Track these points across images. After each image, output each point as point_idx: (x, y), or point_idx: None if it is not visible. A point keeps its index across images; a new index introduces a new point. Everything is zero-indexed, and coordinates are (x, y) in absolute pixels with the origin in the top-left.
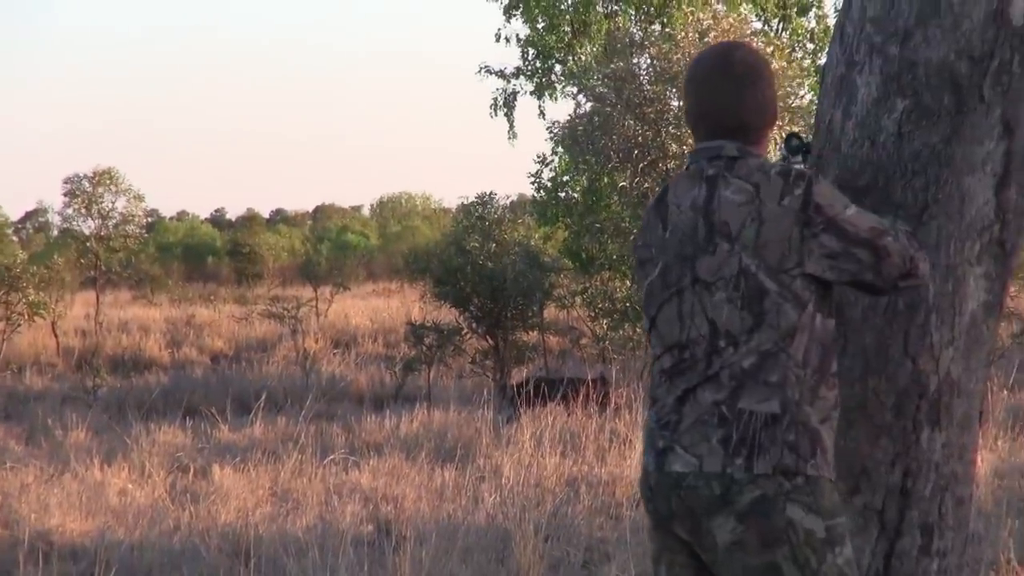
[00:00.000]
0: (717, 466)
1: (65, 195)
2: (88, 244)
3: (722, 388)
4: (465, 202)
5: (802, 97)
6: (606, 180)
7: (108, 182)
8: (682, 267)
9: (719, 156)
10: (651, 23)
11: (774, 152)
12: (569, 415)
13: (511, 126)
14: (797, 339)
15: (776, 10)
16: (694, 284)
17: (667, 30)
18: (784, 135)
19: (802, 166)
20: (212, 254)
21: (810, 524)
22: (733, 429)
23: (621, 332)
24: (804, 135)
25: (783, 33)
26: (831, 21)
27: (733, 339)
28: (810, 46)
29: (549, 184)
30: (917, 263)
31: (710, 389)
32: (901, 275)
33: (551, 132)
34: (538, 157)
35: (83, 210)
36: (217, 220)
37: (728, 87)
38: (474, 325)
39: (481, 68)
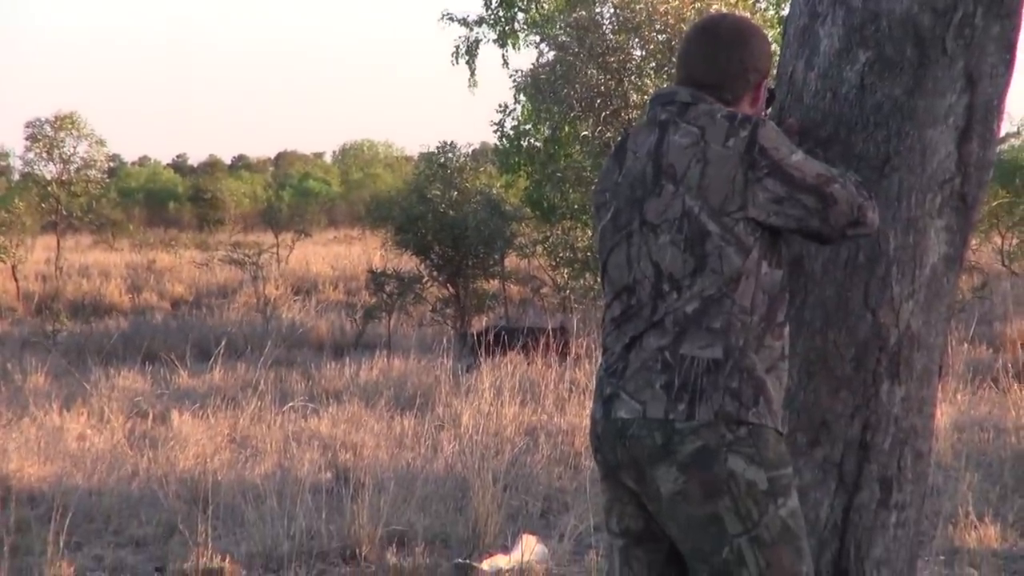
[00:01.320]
0: (659, 412)
1: (27, 139)
2: (49, 188)
3: (666, 334)
4: (427, 150)
5: None
6: (568, 129)
7: (70, 126)
8: (631, 210)
9: (672, 102)
10: None
11: None
12: (529, 364)
13: (472, 74)
14: (742, 285)
15: None
16: (642, 227)
17: None
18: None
19: (763, 114)
20: (173, 200)
21: (752, 475)
22: (675, 374)
23: (582, 282)
24: (767, 83)
25: None
26: None
27: (676, 283)
28: None
29: (511, 133)
30: (865, 211)
31: (655, 335)
32: (848, 223)
33: (514, 81)
34: (500, 106)
35: (44, 154)
36: (179, 166)
37: (708, 46)
38: (435, 273)
39: (444, 15)
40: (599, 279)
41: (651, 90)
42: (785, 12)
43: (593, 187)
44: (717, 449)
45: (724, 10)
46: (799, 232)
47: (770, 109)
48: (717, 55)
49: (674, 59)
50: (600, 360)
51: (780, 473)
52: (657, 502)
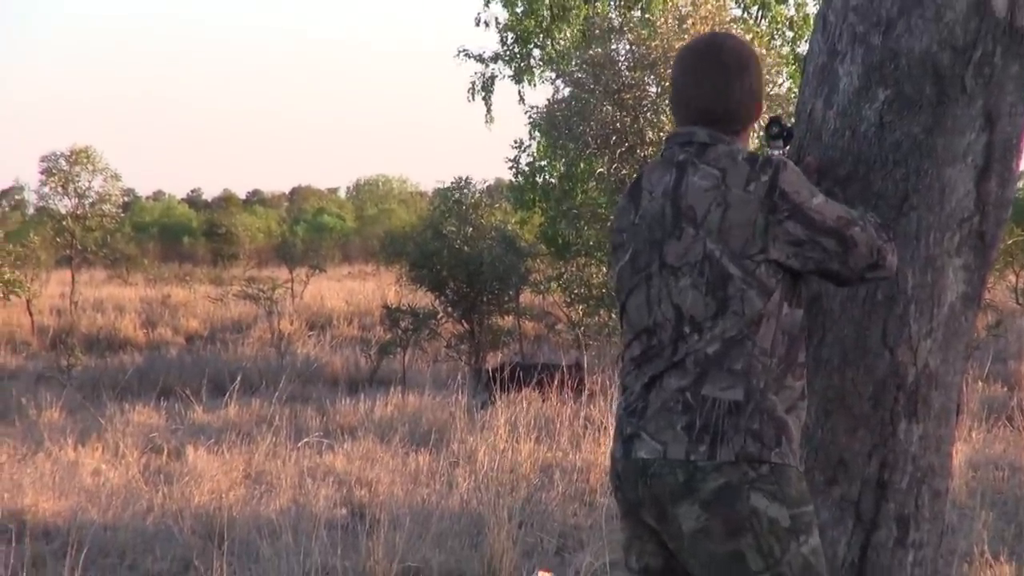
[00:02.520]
0: (680, 453)
1: (42, 173)
2: (64, 223)
3: (687, 374)
4: (442, 186)
5: (780, 85)
6: (583, 166)
7: (85, 161)
8: (651, 252)
9: (690, 142)
10: (630, 9)
11: (755, 138)
12: (544, 401)
13: (488, 110)
14: (763, 327)
15: None
16: (661, 269)
17: (646, 16)
18: (765, 121)
19: (781, 152)
20: (188, 234)
21: (774, 512)
22: (696, 416)
23: (597, 318)
24: (785, 121)
25: (762, 21)
26: (811, 9)
27: (698, 325)
28: (789, 34)
29: (526, 169)
30: (884, 254)
31: (676, 375)
32: (868, 266)
33: (529, 117)
34: (515, 142)
35: (60, 188)
36: (193, 200)
37: (715, 75)
38: (450, 309)
39: (460, 52)
40: (618, 318)
41: (667, 127)
42: (800, 49)
43: (609, 226)
44: (740, 486)
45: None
46: (818, 274)
47: (787, 147)
48: (728, 85)
49: None
50: (619, 399)
51: (802, 511)
52: (679, 540)
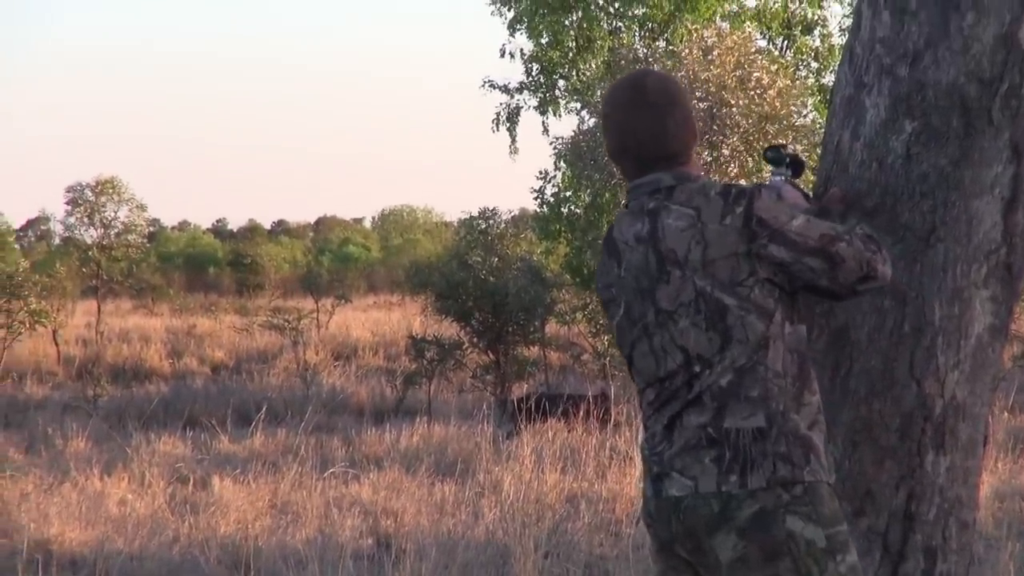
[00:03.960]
0: (712, 485)
1: (67, 203)
2: (90, 253)
3: (705, 410)
4: (467, 216)
5: (805, 116)
6: (608, 196)
7: (111, 191)
8: (643, 302)
9: (658, 189)
10: (655, 40)
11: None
12: (569, 431)
13: (513, 140)
14: (771, 350)
15: (781, 28)
16: (658, 316)
17: (671, 47)
18: (763, 147)
19: (781, 178)
20: (213, 264)
21: (811, 534)
22: (725, 448)
23: None
24: (793, 147)
25: (787, 51)
26: (836, 40)
27: (707, 362)
28: (814, 64)
29: (552, 199)
30: (875, 265)
31: (695, 413)
32: (858, 279)
33: (554, 148)
34: (540, 172)
35: (85, 219)
36: (219, 230)
37: (646, 117)
38: (475, 339)
39: (485, 83)
40: (627, 370)
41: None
42: (825, 80)
43: (596, 282)
44: (775, 511)
45: (717, 74)
46: (809, 290)
47: (798, 175)
48: (663, 123)
49: (714, 127)
50: (642, 438)
51: (837, 530)
52: (716, 570)
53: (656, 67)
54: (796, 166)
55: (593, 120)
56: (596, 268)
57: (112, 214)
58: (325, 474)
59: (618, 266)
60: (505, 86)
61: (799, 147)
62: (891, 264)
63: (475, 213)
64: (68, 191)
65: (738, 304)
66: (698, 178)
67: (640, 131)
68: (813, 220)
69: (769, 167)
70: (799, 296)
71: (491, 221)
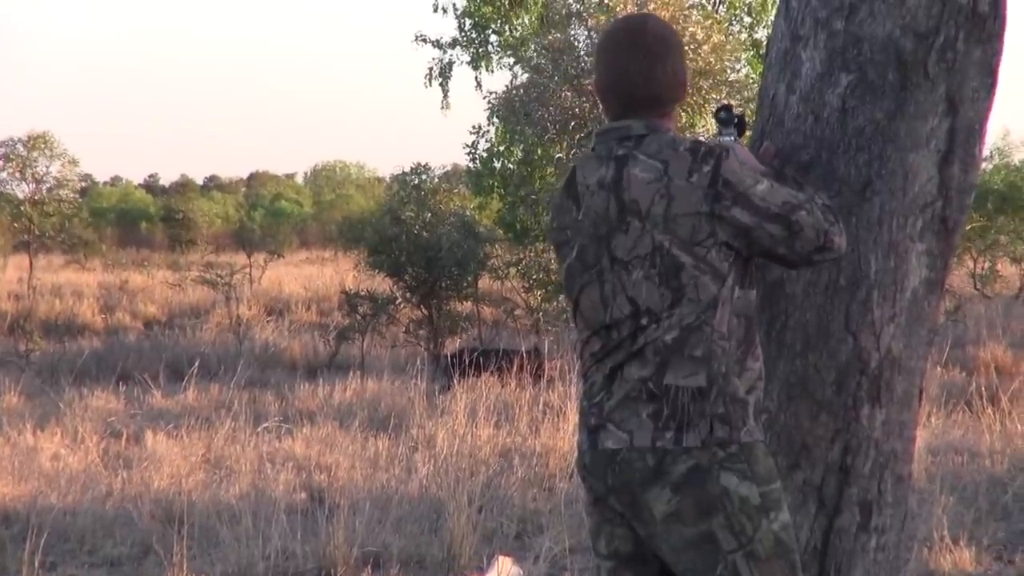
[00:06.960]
0: (647, 440)
1: None
2: (22, 208)
3: (647, 364)
4: (400, 172)
5: (739, 71)
6: (541, 151)
7: (43, 146)
8: (598, 248)
9: (628, 136)
10: None
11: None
12: (503, 386)
13: (445, 96)
14: (719, 312)
15: None
16: (612, 264)
17: (605, 2)
18: (715, 107)
19: (732, 138)
20: (146, 220)
21: (745, 491)
22: (662, 404)
23: (555, 304)
24: (736, 106)
25: (720, 6)
26: None
27: (655, 316)
28: (747, 19)
29: (484, 155)
30: (831, 237)
31: (636, 365)
32: (815, 249)
33: (487, 103)
34: (473, 128)
35: (17, 174)
36: (151, 186)
37: (640, 59)
38: (408, 294)
39: (417, 37)
40: (571, 315)
41: None
42: (758, 35)
43: (548, 224)
44: (710, 467)
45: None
46: (766, 257)
47: (740, 135)
48: (653, 69)
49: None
50: (582, 390)
51: (771, 488)
52: (651, 526)
53: (590, 22)
54: (740, 127)
55: (526, 75)
56: (550, 208)
57: (44, 169)
58: (258, 429)
59: (576, 209)
60: (438, 41)
61: (733, 102)
62: (845, 235)
63: (408, 168)
64: (0, 146)
65: (694, 263)
66: (668, 131)
67: (631, 72)
68: (776, 186)
69: (718, 127)
70: (752, 261)
71: (424, 176)
